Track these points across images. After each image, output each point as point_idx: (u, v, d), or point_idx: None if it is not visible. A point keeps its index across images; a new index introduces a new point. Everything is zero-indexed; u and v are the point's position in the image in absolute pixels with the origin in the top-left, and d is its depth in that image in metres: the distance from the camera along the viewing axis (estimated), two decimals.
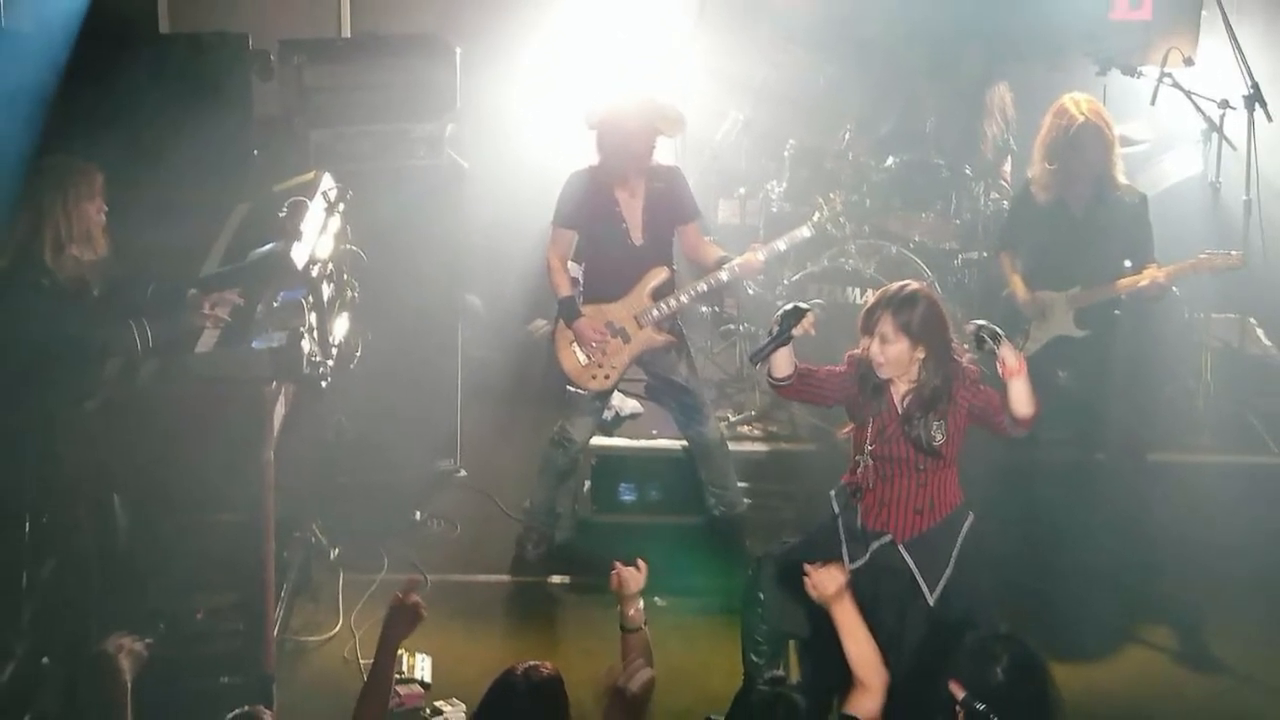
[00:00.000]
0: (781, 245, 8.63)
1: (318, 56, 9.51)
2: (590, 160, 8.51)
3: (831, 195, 8.92)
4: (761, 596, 7.14)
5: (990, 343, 6.56)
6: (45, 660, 7.45)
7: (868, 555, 6.82)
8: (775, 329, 6.77)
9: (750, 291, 9.92)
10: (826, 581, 6.08)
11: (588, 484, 9.25)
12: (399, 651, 6.52)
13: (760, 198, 10.16)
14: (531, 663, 5.60)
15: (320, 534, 8.65)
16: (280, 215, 7.88)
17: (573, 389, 8.65)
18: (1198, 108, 9.36)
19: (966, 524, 6.84)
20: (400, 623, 6.07)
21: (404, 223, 9.21)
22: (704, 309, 10.24)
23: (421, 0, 10.79)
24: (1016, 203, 9.23)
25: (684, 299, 8.61)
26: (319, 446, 8.82)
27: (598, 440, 9.12)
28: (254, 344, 7.42)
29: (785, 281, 9.48)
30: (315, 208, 8.04)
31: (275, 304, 7.59)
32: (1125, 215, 8.70)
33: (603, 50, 10.21)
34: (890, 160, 9.80)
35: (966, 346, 6.84)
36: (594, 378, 8.59)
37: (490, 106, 10.31)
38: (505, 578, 8.88)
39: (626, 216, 8.47)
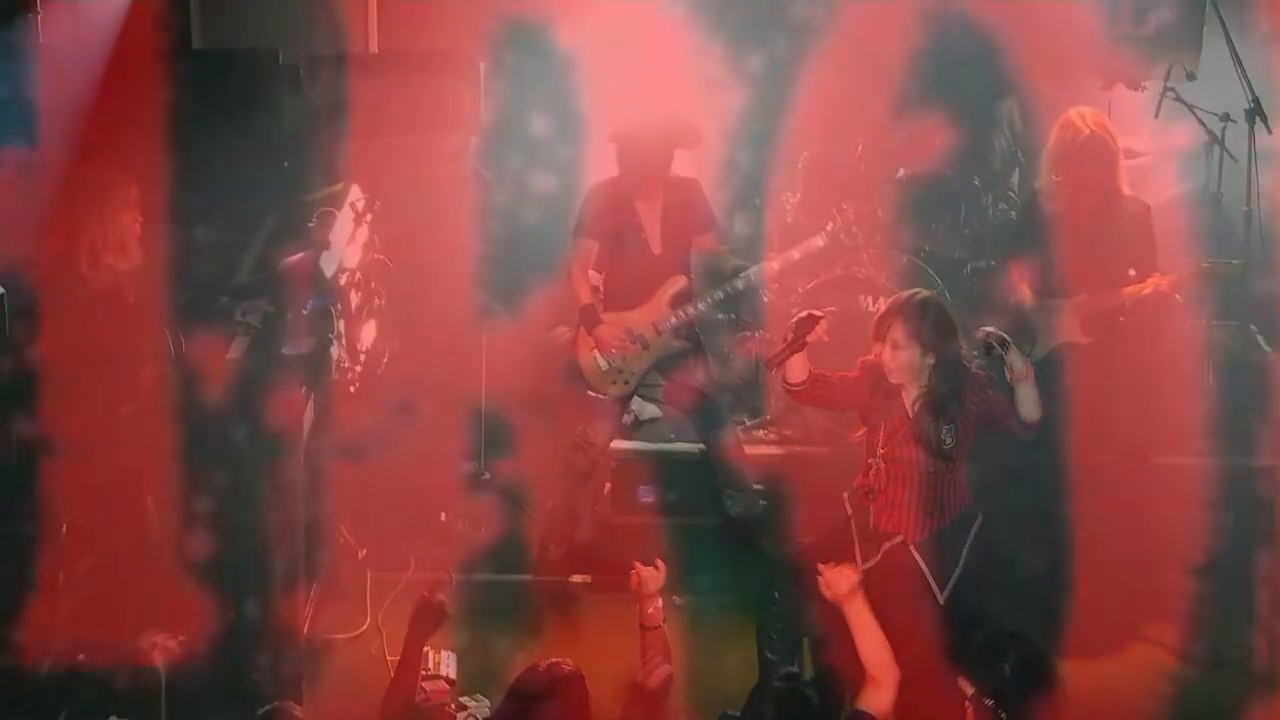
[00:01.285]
0: (796, 254, 8.76)
1: (346, 72, 9.51)
2: (611, 172, 8.62)
3: (845, 206, 8.95)
4: (776, 595, 7.26)
5: (999, 349, 6.69)
6: (81, 657, 7.45)
7: (879, 555, 6.94)
8: (790, 336, 6.90)
9: (766, 299, 9.96)
10: (839, 581, 6.19)
11: (608, 486, 9.34)
12: (424, 648, 6.62)
13: (775, 208, 10.23)
14: (553, 660, 5.73)
15: (348, 535, 8.72)
16: (309, 225, 7.99)
17: (593, 394, 8.76)
18: (1200, 121, 9.47)
19: (976, 524, 6.97)
20: (426, 620, 6.22)
21: (429, 233, 9.25)
22: (721, 316, 10.23)
23: (447, 17, 10.71)
24: (1024, 213, 9.25)
25: (701, 307, 8.73)
26: (347, 450, 8.81)
27: (617, 444, 9.22)
28: (284, 350, 7.51)
29: (800, 290, 9.54)
30: (343, 218, 8.14)
31: (304, 311, 7.68)
32: (1130, 225, 8.72)
33: (624, 64, 10.15)
34: (901, 172, 9.87)
35: (975, 353, 6.97)
36: (614, 383, 8.72)
37: (513, 120, 10.37)
38: (527, 577, 8.97)
39: (646, 227, 8.59)
